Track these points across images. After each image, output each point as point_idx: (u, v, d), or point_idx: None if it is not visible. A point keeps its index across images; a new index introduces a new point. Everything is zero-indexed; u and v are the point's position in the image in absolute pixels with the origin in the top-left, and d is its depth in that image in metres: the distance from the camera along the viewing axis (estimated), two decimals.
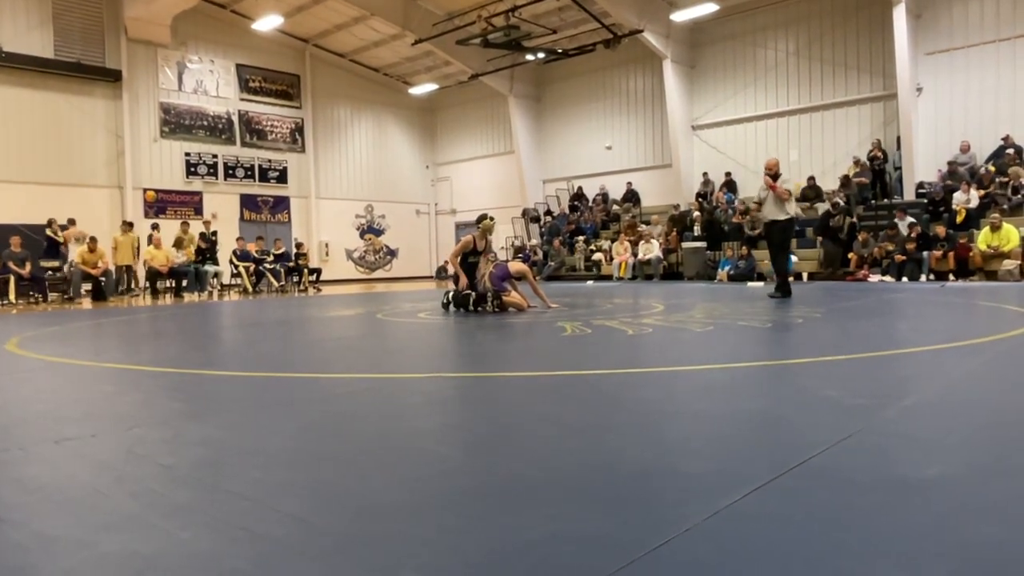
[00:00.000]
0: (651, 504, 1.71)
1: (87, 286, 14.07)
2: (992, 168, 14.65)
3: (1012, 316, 6.18)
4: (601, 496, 1.78)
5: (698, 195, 19.32)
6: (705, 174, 19.52)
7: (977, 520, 1.57)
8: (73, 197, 18.11)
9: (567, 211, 22.06)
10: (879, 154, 16.09)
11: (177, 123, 20.58)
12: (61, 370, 4.37)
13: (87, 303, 13.09)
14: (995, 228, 12.75)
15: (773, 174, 9.09)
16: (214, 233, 16.99)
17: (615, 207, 20.98)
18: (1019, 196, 13.87)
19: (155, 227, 16.60)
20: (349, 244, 24.67)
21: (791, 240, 9.87)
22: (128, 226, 16.16)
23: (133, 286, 15.83)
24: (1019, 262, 12.45)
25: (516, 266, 8.36)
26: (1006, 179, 14.21)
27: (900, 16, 15.26)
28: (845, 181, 16.12)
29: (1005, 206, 13.74)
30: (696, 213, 17.94)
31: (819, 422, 2.50)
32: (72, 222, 15.10)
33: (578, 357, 4.41)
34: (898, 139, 16.06)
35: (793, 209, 9.28)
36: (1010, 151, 14.60)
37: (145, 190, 19.71)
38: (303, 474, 2.05)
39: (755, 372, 3.68)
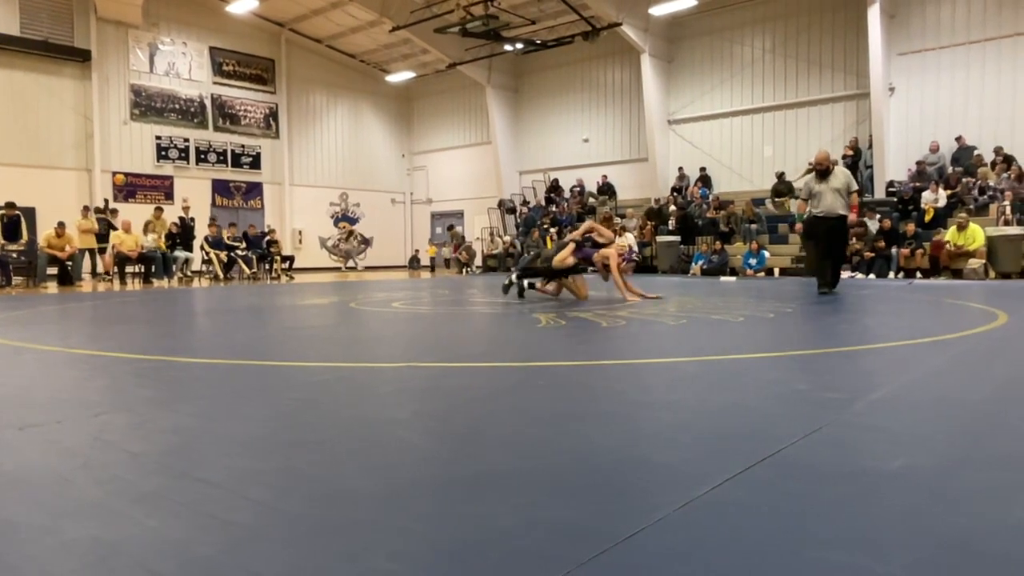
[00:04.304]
0: (624, 494, 1.72)
1: (53, 270, 13.78)
2: (960, 169, 14.94)
3: (977, 313, 6.31)
4: (574, 485, 1.78)
5: (673, 189, 19.43)
6: (681, 169, 19.65)
7: (942, 510, 1.60)
8: (40, 179, 17.73)
9: (543, 203, 22.06)
10: (851, 152, 16.30)
11: (148, 106, 20.20)
12: (26, 355, 4.27)
13: (53, 287, 12.83)
14: (961, 227, 13.01)
15: (824, 168, 8.50)
16: (192, 219, 16.73)
17: (591, 200, 21.02)
18: (985, 196, 14.17)
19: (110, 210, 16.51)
20: (323, 232, 24.46)
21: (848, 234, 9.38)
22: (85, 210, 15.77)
23: (95, 272, 15.50)
24: (984, 261, 12.73)
25: (603, 253, 7.69)
26: (973, 180, 14.50)
27: (875, 16, 15.47)
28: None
29: (971, 206, 14.02)
30: (673, 207, 18.05)
31: (790, 414, 2.53)
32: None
33: (552, 348, 4.42)
34: (870, 138, 16.30)
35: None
36: (977, 152, 14.90)
37: (114, 173, 19.33)
38: (273, 462, 2.03)
39: (728, 365, 3.71)
